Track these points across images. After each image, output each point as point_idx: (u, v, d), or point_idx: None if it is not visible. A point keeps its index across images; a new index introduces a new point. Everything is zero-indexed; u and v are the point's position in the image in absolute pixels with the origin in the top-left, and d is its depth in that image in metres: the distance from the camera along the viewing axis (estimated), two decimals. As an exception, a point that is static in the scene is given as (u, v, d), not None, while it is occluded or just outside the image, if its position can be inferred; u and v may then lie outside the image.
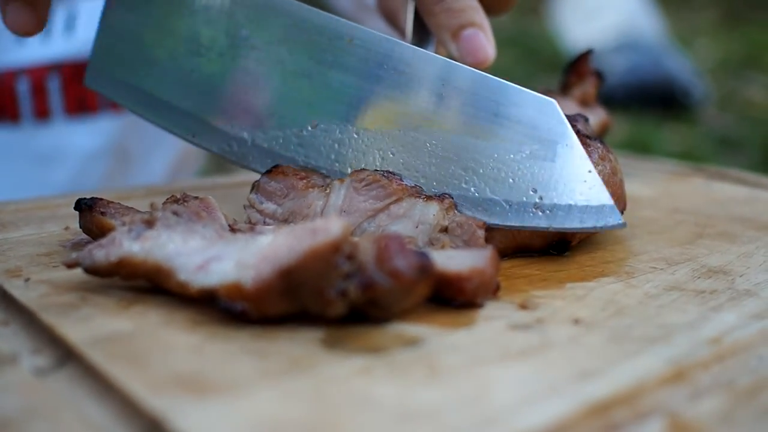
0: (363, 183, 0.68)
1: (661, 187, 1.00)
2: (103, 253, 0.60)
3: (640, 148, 3.27)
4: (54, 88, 1.18)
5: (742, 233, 0.81)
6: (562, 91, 0.94)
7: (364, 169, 0.69)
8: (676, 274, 0.69)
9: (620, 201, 0.74)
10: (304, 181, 0.70)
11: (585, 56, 0.94)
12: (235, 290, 0.54)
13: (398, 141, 0.71)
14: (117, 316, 0.57)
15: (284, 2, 0.73)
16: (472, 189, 0.69)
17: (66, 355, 0.53)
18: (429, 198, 0.67)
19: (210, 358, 0.52)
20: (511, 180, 0.68)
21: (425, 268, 0.55)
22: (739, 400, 0.50)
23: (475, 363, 0.52)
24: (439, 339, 0.56)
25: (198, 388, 0.48)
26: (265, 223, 0.69)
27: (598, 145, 0.73)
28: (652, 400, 0.49)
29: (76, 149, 1.23)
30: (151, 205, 0.63)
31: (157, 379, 0.49)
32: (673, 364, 0.53)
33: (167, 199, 0.69)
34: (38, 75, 1.17)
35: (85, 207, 0.67)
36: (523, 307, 0.61)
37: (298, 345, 0.54)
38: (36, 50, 1.18)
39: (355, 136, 0.72)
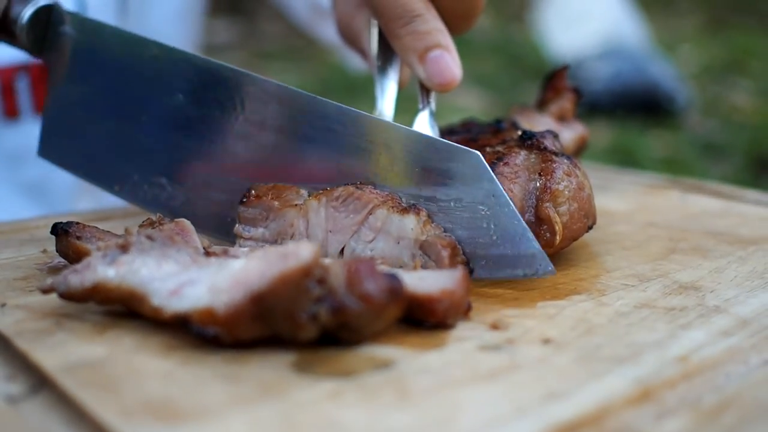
0: (339, 200, 0.69)
1: (637, 200, 1.01)
2: (78, 278, 0.60)
3: (624, 154, 3.28)
4: (23, 87, 1.19)
5: (714, 248, 0.82)
6: (539, 106, 0.95)
7: (336, 187, 0.70)
8: (648, 290, 0.70)
9: (589, 216, 0.75)
10: (278, 200, 0.71)
11: (561, 72, 0.94)
12: (208, 315, 0.55)
13: None
14: (91, 341, 0.58)
15: (215, 66, 0.75)
16: None
17: (40, 382, 0.54)
18: (404, 210, 0.67)
19: (182, 383, 0.52)
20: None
21: (395, 290, 0.55)
22: (705, 420, 0.51)
23: (444, 385, 0.53)
24: (409, 361, 0.56)
25: (169, 414, 0.49)
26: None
27: (564, 161, 0.74)
28: (617, 421, 0.50)
29: None
30: (126, 230, 0.64)
31: (129, 406, 0.49)
32: (639, 384, 0.54)
33: (143, 222, 0.70)
34: (7, 75, 1.18)
35: (62, 231, 0.68)
36: (494, 327, 0.62)
37: (269, 369, 0.54)
38: (4, 51, 1.19)
39: None
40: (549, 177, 0.73)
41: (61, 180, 1.26)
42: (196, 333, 0.56)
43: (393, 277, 0.56)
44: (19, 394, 0.52)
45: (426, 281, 0.61)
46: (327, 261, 0.57)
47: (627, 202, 0.99)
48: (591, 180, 1.03)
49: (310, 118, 0.72)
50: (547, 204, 0.73)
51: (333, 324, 0.55)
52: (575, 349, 0.59)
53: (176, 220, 0.66)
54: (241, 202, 0.72)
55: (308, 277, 0.54)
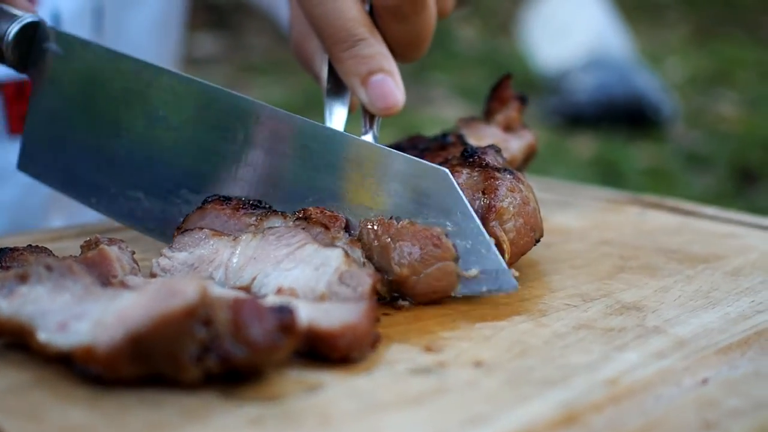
0: (276, 235, 0.69)
1: (595, 217, 1.01)
2: None
3: (608, 165, 3.29)
4: None
5: (664, 266, 0.82)
6: (485, 117, 0.95)
7: (276, 226, 0.71)
8: (589, 311, 0.70)
9: (535, 230, 0.75)
10: (214, 233, 0.71)
11: (505, 81, 0.95)
12: (88, 353, 0.54)
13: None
14: (19, 367, 0.57)
15: (197, 84, 0.78)
16: None
17: (-37, 409, 0.54)
18: (332, 246, 0.67)
19: (105, 410, 0.52)
20: None
21: (286, 325, 0.54)
22: (627, 444, 0.51)
23: (369, 410, 0.53)
24: (338, 384, 0.56)
25: (87, 442, 0.49)
26: (170, 272, 0.69)
27: (507, 176, 0.74)
28: (538, 446, 0.50)
29: None
30: (26, 259, 0.63)
31: (49, 434, 0.49)
32: (565, 408, 0.54)
33: (83, 243, 0.70)
34: None
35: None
36: (428, 349, 0.62)
37: (195, 393, 0.54)
38: None
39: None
40: (492, 195, 0.73)
41: (35, 199, 1.25)
42: (79, 372, 0.55)
43: (283, 311, 0.54)
44: (-59, 422, 0.52)
45: (330, 314, 0.60)
46: (215, 294, 0.55)
47: (584, 220, 0.99)
48: (550, 196, 1.04)
49: (287, 136, 0.74)
50: (493, 223, 0.73)
51: (222, 370, 0.54)
52: (506, 372, 0.59)
53: (100, 247, 0.66)
54: (182, 232, 0.72)
55: (192, 317, 0.53)
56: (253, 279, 0.67)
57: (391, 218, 0.71)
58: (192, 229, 0.71)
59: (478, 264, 0.69)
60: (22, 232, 0.89)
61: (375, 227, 0.71)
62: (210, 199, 0.74)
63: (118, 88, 0.80)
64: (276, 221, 0.72)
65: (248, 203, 0.74)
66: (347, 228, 0.72)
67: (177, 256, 0.71)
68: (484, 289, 0.69)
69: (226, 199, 0.74)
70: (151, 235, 0.80)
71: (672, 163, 3.34)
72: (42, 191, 1.25)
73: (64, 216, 1.28)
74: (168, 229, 0.77)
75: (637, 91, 3.68)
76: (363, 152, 0.73)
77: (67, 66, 0.82)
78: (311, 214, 0.71)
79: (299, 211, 0.72)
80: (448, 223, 0.69)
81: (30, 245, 0.71)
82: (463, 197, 0.69)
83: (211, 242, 0.70)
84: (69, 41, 0.82)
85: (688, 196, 2.48)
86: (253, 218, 0.72)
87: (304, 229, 0.70)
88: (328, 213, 0.71)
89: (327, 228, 0.70)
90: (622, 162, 3.30)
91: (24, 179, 1.23)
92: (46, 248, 0.71)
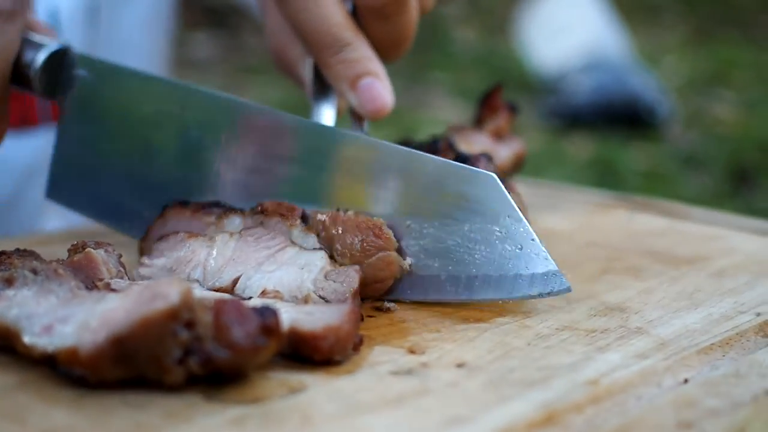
0: (254, 237, 0.69)
1: (582, 219, 1.01)
2: None
3: (606, 166, 3.29)
4: None
5: (648, 268, 0.82)
6: (475, 125, 0.96)
7: (253, 227, 0.71)
8: (573, 312, 0.71)
9: None
10: (190, 234, 0.72)
11: (496, 90, 0.96)
12: (72, 356, 0.54)
13: None
14: (3, 369, 0.58)
15: (233, 102, 0.78)
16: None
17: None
18: (316, 249, 0.68)
19: (88, 412, 0.53)
20: (456, 255, 0.70)
21: (268, 327, 0.54)
22: (605, 444, 0.51)
23: (350, 411, 0.54)
24: (320, 386, 0.57)
25: (69, 443, 0.49)
26: (151, 279, 0.70)
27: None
28: (517, 446, 0.51)
29: (18, 163, 1.24)
30: (12, 264, 0.64)
31: (32, 436, 0.50)
32: (545, 408, 0.54)
33: (70, 247, 0.71)
34: None
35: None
36: (411, 351, 0.62)
37: (178, 395, 0.55)
38: None
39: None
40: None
41: (29, 200, 1.26)
42: (64, 374, 0.55)
43: (265, 313, 0.55)
44: (-74, 424, 0.53)
45: (313, 316, 0.60)
46: (197, 297, 0.56)
47: (572, 222, 1.00)
48: (539, 198, 1.04)
49: (334, 153, 0.74)
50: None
51: (204, 372, 0.55)
52: (487, 373, 0.59)
53: (86, 250, 0.66)
54: (158, 238, 0.72)
55: (175, 320, 0.53)
56: (234, 281, 0.68)
57: (338, 210, 0.71)
58: (167, 235, 0.72)
59: (528, 267, 0.69)
60: (11, 237, 0.89)
61: (323, 218, 0.71)
62: (169, 206, 0.75)
63: (149, 110, 0.80)
64: (235, 218, 0.72)
65: (207, 204, 0.75)
66: (304, 219, 0.72)
67: (156, 263, 0.71)
68: (536, 292, 0.69)
69: (184, 203, 0.75)
70: None
71: (669, 165, 3.35)
72: (36, 187, 1.26)
73: (59, 212, 1.28)
74: None
75: (635, 93, 3.68)
76: (396, 159, 0.72)
77: (97, 91, 0.81)
78: (268, 207, 0.72)
79: (256, 206, 0.73)
80: (496, 228, 0.69)
81: (18, 249, 0.71)
82: (512, 201, 0.70)
83: (187, 243, 0.71)
84: (98, 66, 0.81)
85: (684, 197, 2.48)
86: (212, 217, 0.73)
87: (262, 224, 0.71)
88: (285, 205, 0.72)
89: (284, 217, 0.71)
90: (620, 163, 3.30)
91: (18, 175, 1.24)
92: (34, 252, 0.72)
